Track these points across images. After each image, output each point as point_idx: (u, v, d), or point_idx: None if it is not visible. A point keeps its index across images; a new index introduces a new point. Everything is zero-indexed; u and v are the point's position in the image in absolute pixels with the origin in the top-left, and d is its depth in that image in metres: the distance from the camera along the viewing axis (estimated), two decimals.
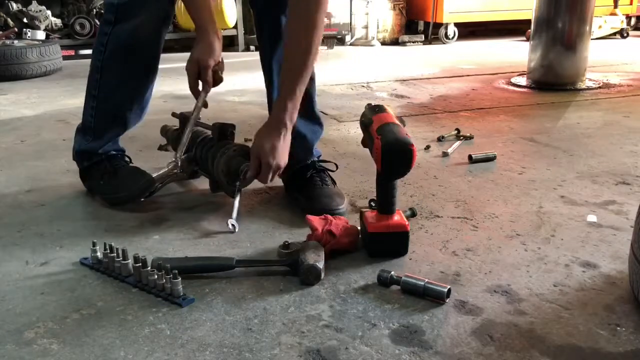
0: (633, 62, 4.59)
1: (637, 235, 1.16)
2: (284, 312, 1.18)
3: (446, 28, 6.07)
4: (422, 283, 1.22)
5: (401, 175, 1.39)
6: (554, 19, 3.50)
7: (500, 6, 6.12)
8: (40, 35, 4.88)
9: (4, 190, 1.90)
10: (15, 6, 5.03)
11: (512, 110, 3.01)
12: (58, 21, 5.18)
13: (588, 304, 1.20)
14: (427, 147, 2.30)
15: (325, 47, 5.50)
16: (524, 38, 5.81)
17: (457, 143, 2.34)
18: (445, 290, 1.20)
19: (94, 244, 1.37)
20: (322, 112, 1.82)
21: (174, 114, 1.94)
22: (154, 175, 1.72)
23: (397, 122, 1.38)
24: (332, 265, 1.35)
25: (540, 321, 1.14)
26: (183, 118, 1.86)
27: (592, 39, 3.64)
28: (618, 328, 1.11)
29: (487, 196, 1.81)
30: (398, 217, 1.41)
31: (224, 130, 1.72)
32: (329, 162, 1.84)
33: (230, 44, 5.60)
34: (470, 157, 2.14)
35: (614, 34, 6.22)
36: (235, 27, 5.51)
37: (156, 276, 1.23)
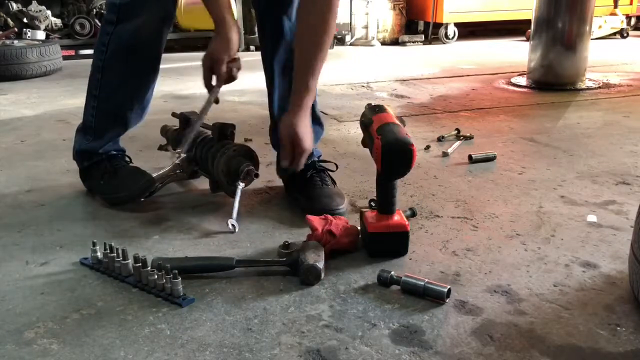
0: (633, 62, 4.59)
1: (637, 235, 1.16)
2: (284, 312, 1.18)
3: (446, 28, 6.07)
4: (422, 283, 1.22)
5: (401, 175, 1.39)
6: (554, 19, 3.49)
7: (500, 6, 6.12)
8: (40, 35, 4.88)
9: (4, 190, 1.90)
10: (15, 6, 5.03)
11: (512, 110, 3.01)
12: (58, 21, 5.18)
13: (588, 304, 1.20)
14: (427, 147, 2.30)
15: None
16: (524, 38, 5.81)
17: (457, 143, 2.34)
18: (445, 290, 1.20)
19: (94, 244, 1.37)
20: (322, 112, 1.82)
21: (174, 114, 1.94)
22: (154, 175, 1.73)
23: (397, 122, 1.38)
24: (332, 265, 1.35)
25: (540, 321, 1.14)
26: (183, 118, 1.87)
27: (592, 39, 3.64)
28: (618, 328, 1.11)
29: (487, 196, 1.81)
30: (398, 217, 1.41)
31: (224, 130, 1.72)
32: (329, 162, 1.84)
33: None
34: (470, 157, 2.14)
35: (614, 34, 6.22)
36: None
37: (156, 276, 1.23)
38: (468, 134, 2.44)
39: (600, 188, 1.86)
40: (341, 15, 5.72)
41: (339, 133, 2.58)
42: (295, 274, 1.30)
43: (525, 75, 3.77)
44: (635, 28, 6.78)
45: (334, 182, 1.77)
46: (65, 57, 4.63)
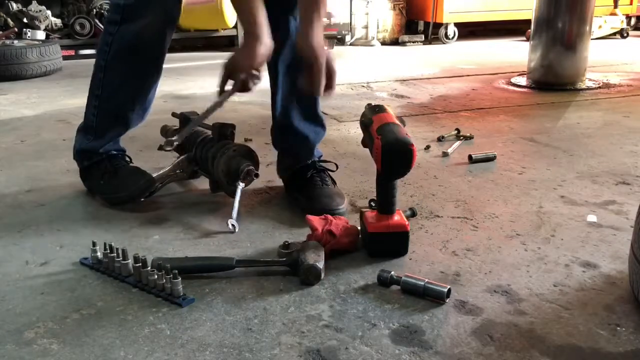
0: (633, 62, 4.59)
1: (637, 235, 1.16)
2: (284, 312, 1.18)
3: (446, 28, 6.07)
4: (422, 283, 1.22)
5: (401, 175, 1.39)
6: (554, 19, 3.49)
7: (500, 6, 6.12)
8: (40, 35, 4.88)
9: (4, 190, 1.90)
10: (15, 6, 5.03)
11: (512, 110, 3.01)
12: (58, 21, 5.17)
13: (588, 304, 1.20)
14: (427, 147, 2.30)
15: (325, 47, 5.51)
16: (524, 38, 5.81)
17: (457, 143, 2.34)
18: (445, 290, 1.20)
19: (94, 244, 1.37)
20: (322, 112, 1.82)
21: (174, 114, 1.94)
22: (154, 175, 1.73)
23: (397, 122, 1.38)
24: (332, 265, 1.35)
25: (540, 321, 1.14)
26: (183, 118, 1.87)
27: (592, 39, 3.64)
28: (618, 328, 1.11)
29: (487, 196, 1.81)
30: (398, 217, 1.41)
31: (224, 130, 1.72)
32: (329, 162, 1.84)
33: (230, 44, 5.59)
34: (470, 157, 2.14)
35: (614, 34, 6.22)
36: (235, 27, 5.50)
37: (156, 276, 1.23)
38: (468, 134, 2.44)
39: (600, 188, 1.87)
40: (341, 15, 5.73)
41: (339, 133, 2.58)
42: (295, 274, 1.30)
43: (525, 75, 3.77)
44: (635, 28, 6.77)
45: (334, 182, 1.77)
46: (65, 57, 4.63)
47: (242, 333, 1.11)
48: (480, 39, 6.45)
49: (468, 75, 4.12)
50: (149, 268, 1.26)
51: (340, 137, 2.51)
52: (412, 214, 1.62)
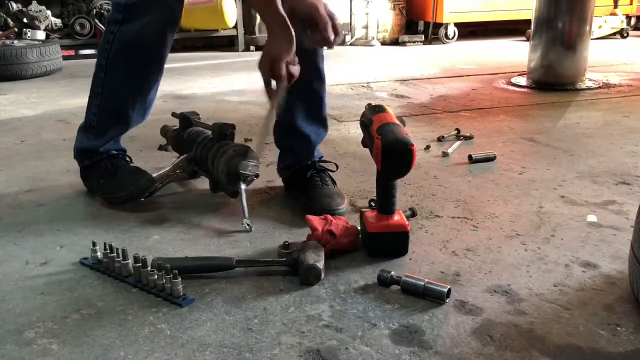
0: (633, 62, 4.59)
1: (637, 235, 1.16)
2: (284, 312, 1.18)
3: (446, 28, 6.07)
4: (422, 283, 1.22)
5: (401, 175, 1.39)
6: (554, 19, 3.49)
7: (500, 6, 6.12)
8: (40, 35, 4.88)
9: (4, 190, 1.90)
10: (15, 6, 5.03)
11: (512, 110, 3.01)
12: (58, 21, 5.18)
13: (588, 304, 1.20)
14: (427, 147, 2.30)
15: (325, 47, 5.50)
16: (524, 38, 5.81)
17: (457, 143, 2.34)
18: (445, 290, 1.20)
19: (94, 244, 1.37)
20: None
21: (174, 114, 1.94)
22: (154, 175, 1.73)
23: (397, 122, 1.38)
24: (332, 265, 1.35)
25: (540, 321, 1.14)
26: (183, 118, 1.87)
27: (592, 39, 3.64)
28: (618, 328, 1.11)
29: (487, 196, 1.81)
30: (398, 217, 1.41)
31: (224, 130, 1.72)
32: (329, 162, 1.84)
33: (230, 44, 5.60)
34: (470, 157, 2.14)
35: (614, 34, 6.22)
36: (235, 27, 5.51)
37: (156, 276, 1.23)
38: (468, 134, 2.44)
39: (600, 188, 1.87)
40: (341, 15, 5.72)
41: (339, 133, 2.58)
42: (295, 274, 1.30)
43: (525, 75, 3.77)
44: (635, 28, 6.77)
45: (334, 182, 1.77)
46: (65, 57, 4.63)
47: (242, 333, 1.11)
48: (481, 39, 6.45)
49: (468, 75, 4.12)
50: (149, 268, 1.26)
51: (340, 137, 2.51)
52: (412, 214, 1.62)
